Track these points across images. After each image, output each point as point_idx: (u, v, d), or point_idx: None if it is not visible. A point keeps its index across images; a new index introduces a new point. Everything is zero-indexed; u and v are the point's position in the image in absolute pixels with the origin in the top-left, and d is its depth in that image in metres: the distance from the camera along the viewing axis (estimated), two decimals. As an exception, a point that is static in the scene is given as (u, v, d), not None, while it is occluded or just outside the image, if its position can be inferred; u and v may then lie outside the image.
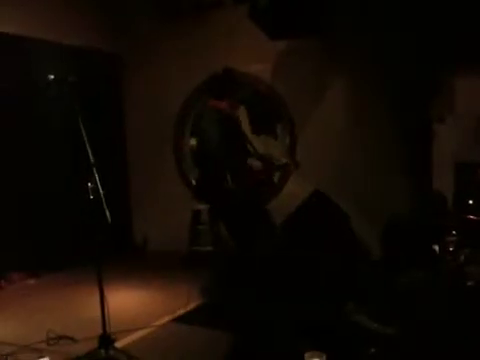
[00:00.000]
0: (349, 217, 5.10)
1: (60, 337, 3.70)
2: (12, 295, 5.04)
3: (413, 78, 5.20)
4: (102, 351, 3.26)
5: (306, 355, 2.83)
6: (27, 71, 5.49)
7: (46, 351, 3.50)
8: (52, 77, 3.45)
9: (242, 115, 5.47)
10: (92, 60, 6.28)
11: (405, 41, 5.12)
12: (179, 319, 4.22)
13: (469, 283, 3.88)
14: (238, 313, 3.99)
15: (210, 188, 4.54)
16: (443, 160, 5.32)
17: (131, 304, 4.69)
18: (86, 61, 6.08)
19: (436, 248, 4.38)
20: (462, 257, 4.15)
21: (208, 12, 6.25)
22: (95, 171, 3.23)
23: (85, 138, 3.29)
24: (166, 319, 4.20)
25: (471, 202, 4.51)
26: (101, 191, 3.17)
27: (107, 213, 3.12)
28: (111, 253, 4.76)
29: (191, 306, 4.45)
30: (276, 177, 6.03)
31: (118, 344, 3.46)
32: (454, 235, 4.32)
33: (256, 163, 4.70)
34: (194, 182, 6.17)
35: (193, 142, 6.20)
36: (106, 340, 3.28)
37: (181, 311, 4.35)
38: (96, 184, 3.20)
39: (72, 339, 3.69)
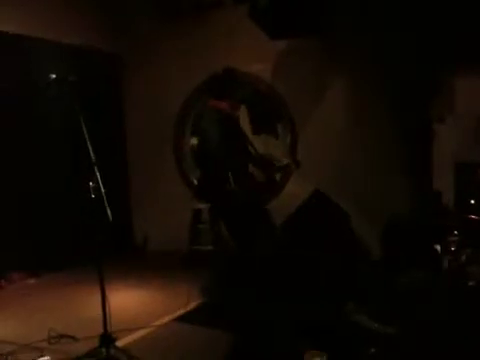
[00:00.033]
0: (349, 217, 5.10)
1: (61, 336, 3.70)
2: (12, 295, 5.03)
3: (413, 78, 5.21)
4: (103, 350, 3.26)
5: (306, 355, 2.82)
6: (27, 71, 5.48)
7: (47, 350, 3.50)
8: (53, 76, 3.45)
9: (242, 115, 5.47)
10: (92, 60, 6.28)
11: (405, 41, 5.12)
12: (179, 318, 4.22)
13: (470, 283, 3.88)
14: (238, 313, 3.99)
15: (212, 188, 4.54)
16: (443, 160, 5.32)
17: (131, 303, 4.69)
18: (86, 61, 6.08)
19: (438, 248, 4.38)
20: (463, 257, 4.15)
21: (208, 12, 6.25)
22: (96, 170, 3.23)
23: (86, 136, 3.29)
24: (166, 318, 4.20)
25: (472, 202, 4.52)
26: (102, 190, 3.17)
27: (108, 211, 3.13)
28: (111, 253, 4.75)
29: (191, 306, 4.45)
30: (277, 177, 6.04)
31: (119, 343, 3.45)
32: (456, 235, 4.32)
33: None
34: (195, 182, 6.17)
35: (194, 141, 6.20)
36: (107, 339, 3.28)
37: (181, 311, 4.35)
38: (97, 183, 3.20)
39: (73, 338, 3.69)
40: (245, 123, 5.69)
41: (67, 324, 3.92)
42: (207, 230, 5.86)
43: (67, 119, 3.67)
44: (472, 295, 3.82)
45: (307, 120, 5.95)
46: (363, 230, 5.28)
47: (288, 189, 5.99)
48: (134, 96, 6.88)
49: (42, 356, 3.34)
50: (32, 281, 5.42)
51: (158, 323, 4.11)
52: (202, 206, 5.94)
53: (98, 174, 3.22)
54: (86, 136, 3.30)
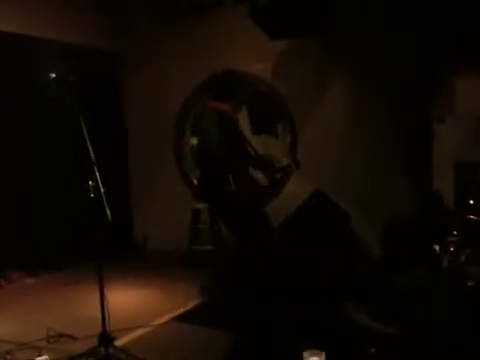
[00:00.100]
0: (349, 216, 5.10)
1: (60, 335, 3.70)
2: (11, 294, 5.03)
3: (413, 78, 5.20)
4: (102, 349, 3.26)
5: (305, 353, 2.82)
6: (27, 71, 5.49)
7: (46, 349, 3.50)
8: (53, 76, 3.45)
9: (242, 115, 5.47)
10: (92, 59, 6.29)
11: (405, 41, 5.12)
12: (179, 318, 4.22)
13: (470, 283, 3.88)
14: (238, 313, 3.99)
15: (211, 188, 4.54)
16: (443, 160, 5.32)
17: (131, 303, 4.69)
18: (86, 60, 6.08)
19: (437, 248, 4.37)
20: (463, 257, 4.15)
21: (208, 12, 6.25)
22: (96, 169, 3.23)
23: (86, 136, 3.29)
24: (166, 318, 4.20)
25: (472, 202, 4.51)
26: (102, 189, 3.17)
27: (107, 211, 3.13)
28: (111, 252, 4.75)
29: (191, 305, 4.45)
30: (277, 177, 6.03)
31: (118, 342, 3.45)
32: (455, 235, 4.32)
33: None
34: (195, 182, 6.17)
35: (194, 141, 6.20)
36: (106, 338, 3.28)
37: (181, 310, 4.35)
38: (97, 182, 3.20)
39: (72, 337, 3.69)
40: (245, 123, 5.69)
41: (66, 323, 3.92)
42: (207, 230, 5.87)
43: (67, 119, 3.67)
44: (471, 295, 3.81)
45: (307, 120, 5.95)
46: (363, 230, 5.27)
47: (288, 189, 5.98)
48: (134, 96, 6.88)
49: (40, 355, 3.34)
50: (31, 280, 5.42)
51: (157, 323, 4.11)
52: (202, 206, 5.93)
53: (98, 174, 3.22)
54: (86, 136, 3.30)
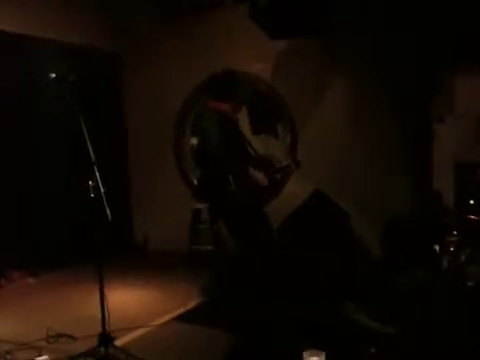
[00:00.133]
0: (349, 217, 5.10)
1: (60, 335, 3.70)
2: (12, 294, 5.04)
3: (413, 78, 5.20)
4: (102, 349, 3.26)
5: (305, 353, 2.82)
6: (27, 71, 5.49)
7: (46, 349, 3.50)
8: (53, 76, 3.45)
9: (242, 115, 5.47)
10: (92, 59, 6.29)
11: (405, 41, 5.12)
12: (179, 318, 4.22)
13: (470, 283, 3.88)
14: (238, 313, 3.99)
15: (211, 189, 4.54)
16: (443, 160, 5.32)
17: (131, 303, 4.69)
18: (86, 60, 6.09)
19: (437, 248, 4.37)
20: (463, 257, 4.15)
21: (208, 12, 6.25)
22: (96, 169, 3.23)
23: (86, 136, 3.29)
24: (166, 318, 4.20)
25: (472, 202, 4.51)
26: (102, 189, 3.17)
27: (107, 211, 3.13)
28: (111, 252, 4.75)
29: (191, 305, 4.45)
30: (277, 177, 6.03)
31: (118, 342, 3.45)
32: (455, 235, 4.32)
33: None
34: (195, 182, 6.17)
35: (194, 141, 6.20)
36: (106, 338, 3.28)
37: (181, 310, 4.35)
38: (97, 182, 3.20)
39: (72, 337, 3.69)
40: (245, 123, 5.69)
41: (66, 323, 3.92)
42: (207, 230, 5.87)
43: (67, 119, 3.67)
44: (471, 295, 3.81)
45: (307, 120, 5.95)
46: (363, 230, 5.28)
47: (288, 189, 5.98)
48: (134, 96, 6.88)
49: (40, 355, 3.34)
50: (31, 280, 5.42)
51: (157, 323, 4.11)
52: (201, 206, 5.93)
53: (98, 174, 3.22)
54: (86, 136, 3.30)
